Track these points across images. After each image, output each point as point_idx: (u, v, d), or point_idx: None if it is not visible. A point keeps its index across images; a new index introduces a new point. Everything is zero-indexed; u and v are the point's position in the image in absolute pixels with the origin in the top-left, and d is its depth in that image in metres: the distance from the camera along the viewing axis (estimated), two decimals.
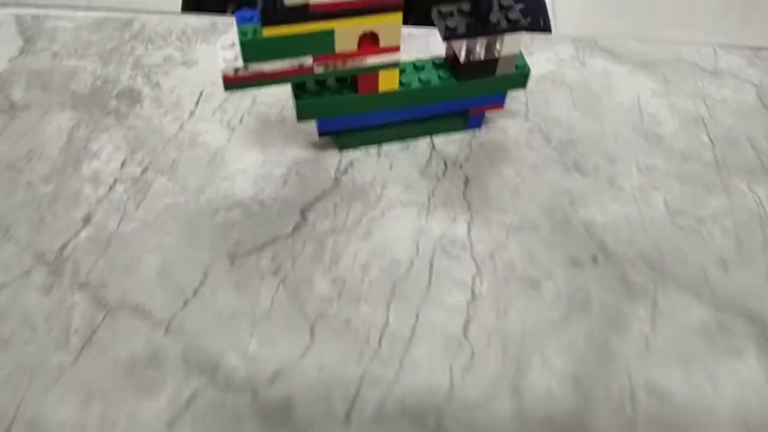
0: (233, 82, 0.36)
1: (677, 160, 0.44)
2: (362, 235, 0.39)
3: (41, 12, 0.51)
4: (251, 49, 0.35)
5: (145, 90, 0.46)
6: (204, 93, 0.46)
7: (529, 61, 0.41)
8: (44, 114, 0.44)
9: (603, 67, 0.50)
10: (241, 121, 0.44)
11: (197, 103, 0.45)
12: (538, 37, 0.52)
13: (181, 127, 0.44)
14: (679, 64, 0.51)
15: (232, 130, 0.44)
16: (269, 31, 0.34)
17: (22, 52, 0.48)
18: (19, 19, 0.50)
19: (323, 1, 0.33)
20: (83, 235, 0.38)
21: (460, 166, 0.43)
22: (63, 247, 0.37)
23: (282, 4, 0.33)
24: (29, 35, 0.49)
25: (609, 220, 0.41)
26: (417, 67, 0.41)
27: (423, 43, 0.51)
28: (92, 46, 0.48)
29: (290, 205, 0.40)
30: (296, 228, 0.39)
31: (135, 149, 0.42)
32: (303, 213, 0.40)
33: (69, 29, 0.49)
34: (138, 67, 0.47)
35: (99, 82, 0.46)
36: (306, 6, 0.33)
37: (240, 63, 0.35)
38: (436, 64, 0.41)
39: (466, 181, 0.42)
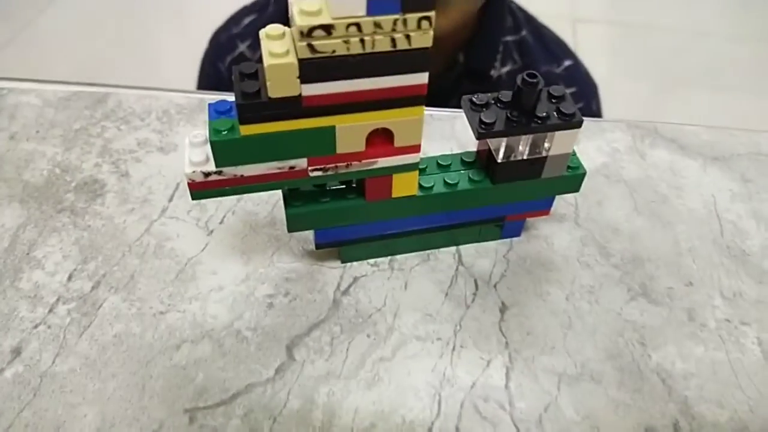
0: (202, 190, 0.28)
1: None
2: (366, 384, 0.30)
3: (7, 85, 0.44)
4: (225, 152, 0.26)
5: (111, 181, 0.38)
6: (181, 186, 0.37)
7: (576, 149, 0.33)
8: None
9: (668, 161, 0.41)
10: (222, 221, 0.36)
11: (171, 199, 0.37)
12: (586, 122, 0.44)
13: (148, 229, 0.35)
14: (759, 158, 0.42)
15: (210, 233, 0.35)
16: (249, 129, 0.26)
17: None
18: None
19: (321, 92, 0.25)
20: (9, 373, 0.30)
21: (495, 287, 0.34)
22: None
23: (266, 94, 0.25)
24: None
25: (691, 369, 0.31)
26: (441, 165, 0.32)
27: (448, 127, 0.42)
28: (56, 127, 0.41)
29: (274, 337, 0.31)
30: (279, 371, 0.30)
31: (88, 257, 0.34)
32: (290, 350, 0.31)
33: (34, 106, 0.42)
34: (106, 153, 0.39)
35: (57, 171, 0.38)
36: (298, 98, 0.25)
37: (212, 166, 0.27)
38: (466, 161, 0.32)
39: (503, 309, 0.33)
